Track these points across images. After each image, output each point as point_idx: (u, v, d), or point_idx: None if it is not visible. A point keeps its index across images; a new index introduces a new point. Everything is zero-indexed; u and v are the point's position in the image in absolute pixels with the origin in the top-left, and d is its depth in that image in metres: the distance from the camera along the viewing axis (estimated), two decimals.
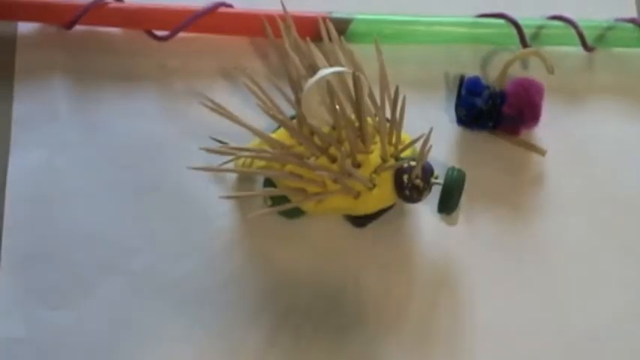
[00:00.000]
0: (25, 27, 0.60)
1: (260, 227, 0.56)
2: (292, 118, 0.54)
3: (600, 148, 0.59)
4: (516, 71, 0.60)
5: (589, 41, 0.60)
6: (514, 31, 0.59)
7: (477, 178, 0.56)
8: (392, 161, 0.52)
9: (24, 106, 0.59)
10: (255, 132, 0.53)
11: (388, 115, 0.52)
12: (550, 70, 0.57)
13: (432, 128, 0.50)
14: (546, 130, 0.58)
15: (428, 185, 0.53)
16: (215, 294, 0.55)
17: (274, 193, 0.54)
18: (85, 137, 0.58)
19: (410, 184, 0.52)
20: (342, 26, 0.59)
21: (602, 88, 0.60)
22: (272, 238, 0.56)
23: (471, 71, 0.59)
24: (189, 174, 0.57)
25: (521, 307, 0.56)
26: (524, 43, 0.59)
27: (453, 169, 0.53)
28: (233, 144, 0.55)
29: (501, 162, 0.58)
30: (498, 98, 0.57)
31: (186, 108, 0.59)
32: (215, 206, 0.57)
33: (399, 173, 0.52)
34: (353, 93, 0.51)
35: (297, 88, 0.54)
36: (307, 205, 0.53)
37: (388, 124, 0.52)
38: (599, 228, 0.57)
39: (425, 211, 0.56)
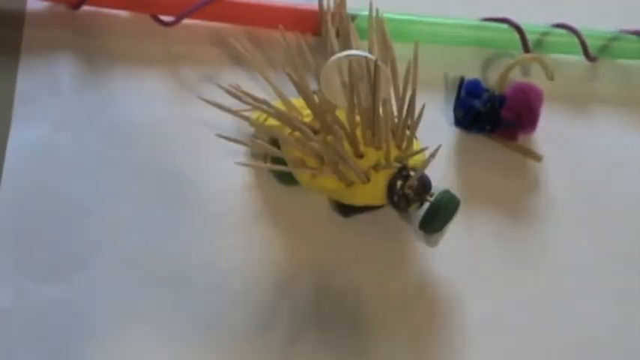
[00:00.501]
0: (33, 4, 0.60)
1: (259, 213, 0.57)
2: (314, 92, 0.54)
3: (597, 157, 0.59)
4: (517, 77, 0.60)
5: (592, 51, 0.60)
6: (517, 36, 0.60)
7: (472, 180, 0.56)
8: (393, 164, 0.52)
9: (28, 81, 0.59)
10: (276, 91, 0.53)
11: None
12: (550, 77, 0.57)
13: (439, 145, 0.50)
14: (544, 136, 0.58)
15: (418, 199, 0.52)
16: (201, 275, 0.55)
17: (277, 153, 0.53)
18: (86, 116, 0.58)
19: (401, 191, 0.52)
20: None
21: (603, 98, 0.61)
22: (270, 224, 0.56)
23: (471, 74, 0.59)
24: (188, 157, 0.57)
25: (516, 309, 0.56)
26: (526, 49, 0.60)
27: (447, 191, 0.52)
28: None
29: (497, 165, 0.58)
30: (497, 102, 0.57)
31: (189, 93, 0.59)
32: (212, 191, 0.57)
33: (394, 178, 0.52)
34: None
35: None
36: (302, 177, 0.53)
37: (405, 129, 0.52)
38: (592, 236, 0.57)
39: None
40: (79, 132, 0.58)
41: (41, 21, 0.60)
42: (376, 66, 0.50)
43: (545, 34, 0.60)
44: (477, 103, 0.57)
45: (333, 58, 0.52)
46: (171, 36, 0.60)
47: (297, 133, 0.52)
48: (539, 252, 0.57)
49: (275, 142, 0.55)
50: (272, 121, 0.54)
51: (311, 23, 0.58)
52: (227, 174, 0.57)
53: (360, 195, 0.53)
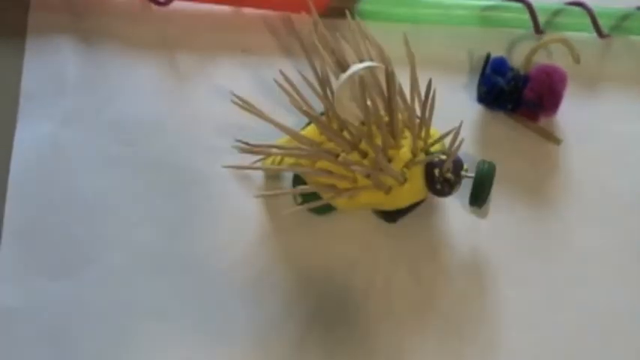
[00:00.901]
0: None
1: (286, 222, 0.56)
2: (321, 114, 0.54)
3: (610, 139, 0.58)
4: (542, 59, 0.59)
5: (604, 29, 0.59)
6: (527, 14, 0.59)
7: (492, 157, 0.55)
8: (422, 156, 0.52)
9: (33, 71, 0.58)
10: (285, 130, 0.53)
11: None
12: (576, 60, 0.57)
13: (462, 122, 0.50)
14: (564, 119, 0.58)
15: (459, 179, 0.52)
16: (212, 270, 0.55)
17: (306, 190, 0.53)
18: (91, 112, 0.58)
19: (441, 177, 0.52)
20: (350, 3, 0.58)
21: (615, 76, 0.60)
22: (298, 233, 0.56)
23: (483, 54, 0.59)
24: (192, 152, 0.57)
25: (536, 292, 0.55)
26: (536, 27, 0.59)
27: (483, 162, 0.53)
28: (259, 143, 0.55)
29: (516, 144, 0.58)
30: (521, 81, 0.57)
31: (192, 87, 0.59)
32: (217, 185, 0.57)
33: (430, 167, 0.52)
34: (384, 88, 0.51)
35: (325, 83, 0.53)
36: (338, 201, 0.53)
37: (418, 119, 0.52)
38: (611, 220, 0.57)
39: (451, 203, 0.56)
40: (83, 128, 0.58)
41: (45, 5, 0.60)
42: (389, 73, 0.50)
43: (556, 12, 0.59)
44: (500, 81, 0.57)
45: (342, 79, 0.51)
46: (168, 20, 0.60)
47: (319, 162, 0.52)
48: (557, 233, 0.57)
49: (299, 179, 0.55)
50: (288, 160, 0.54)
51: (316, 3, 0.56)
52: (234, 171, 0.57)
53: (403, 197, 0.53)
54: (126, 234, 0.56)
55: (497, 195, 0.56)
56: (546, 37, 0.58)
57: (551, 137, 0.58)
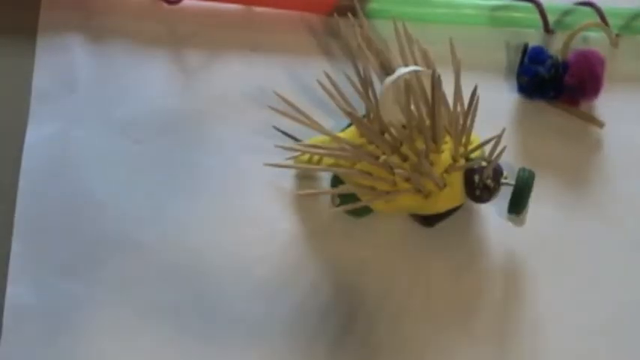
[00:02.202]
0: None
1: (283, 207, 0.56)
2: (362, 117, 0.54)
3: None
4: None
5: (613, 29, 0.59)
6: (537, 14, 0.59)
7: (534, 147, 0.57)
8: (463, 161, 0.52)
9: (44, 74, 0.58)
10: (326, 132, 0.53)
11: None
12: (614, 44, 0.58)
13: (504, 129, 0.50)
14: (605, 102, 0.58)
15: (498, 186, 0.52)
16: (221, 269, 0.55)
17: (345, 190, 0.53)
18: (102, 110, 0.58)
19: (481, 184, 0.52)
20: (360, 2, 0.58)
21: (626, 76, 0.60)
22: (335, 236, 0.56)
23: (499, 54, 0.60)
24: (204, 150, 0.57)
25: (581, 276, 0.55)
26: (546, 27, 0.59)
27: (523, 169, 0.53)
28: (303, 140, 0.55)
29: (559, 132, 0.58)
30: (560, 68, 0.57)
31: (203, 84, 0.59)
32: (231, 183, 0.57)
33: (470, 173, 0.52)
34: (428, 92, 0.51)
35: (368, 85, 0.54)
36: (377, 204, 0.53)
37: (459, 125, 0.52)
38: None
39: (488, 209, 0.56)
40: (94, 127, 0.58)
41: (56, 4, 0.60)
42: (435, 77, 0.50)
43: (566, 12, 0.59)
44: (541, 70, 0.57)
45: (387, 83, 0.51)
46: (179, 18, 0.60)
47: (359, 164, 0.52)
48: (602, 218, 0.57)
49: (337, 181, 0.55)
50: (327, 160, 0.54)
51: (322, 3, 0.57)
52: (245, 165, 0.57)
53: (442, 201, 0.53)
54: (137, 233, 0.56)
55: (540, 187, 0.55)
56: (583, 23, 0.59)
57: (595, 121, 0.58)
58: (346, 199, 0.54)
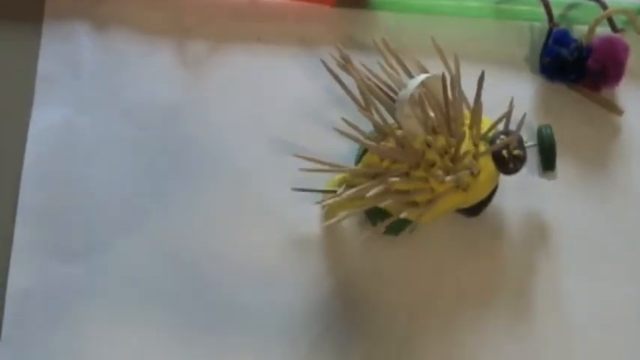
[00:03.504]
0: None
1: (286, 197, 0.56)
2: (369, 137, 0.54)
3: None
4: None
5: (618, 23, 0.59)
6: (542, 7, 0.59)
7: (553, 128, 0.56)
8: (484, 144, 0.53)
9: (49, 60, 0.59)
10: (351, 171, 0.53)
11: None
12: (639, 31, 0.58)
13: (512, 99, 0.51)
14: (626, 90, 0.59)
15: (525, 151, 0.53)
16: (224, 258, 0.55)
17: (394, 219, 0.52)
18: (106, 97, 0.58)
19: (511, 156, 0.53)
20: None
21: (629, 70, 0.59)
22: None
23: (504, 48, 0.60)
24: (207, 139, 0.57)
25: (603, 257, 0.56)
26: (550, 20, 0.59)
27: (541, 127, 0.54)
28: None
29: (578, 116, 0.58)
30: (584, 52, 0.58)
31: (207, 73, 0.59)
32: (232, 172, 0.57)
33: (497, 152, 0.53)
34: (438, 96, 0.51)
35: (369, 109, 0.53)
36: (424, 217, 0.52)
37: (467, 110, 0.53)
38: None
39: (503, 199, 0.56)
40: (98, 114, 0.58)
41: None
42: (453, 80, 0.51)
43: (571, 5, 0.59)
44: (564, 51, 0.57)
45: (403, 98, 0.51)
46: (185, 9, 0.60)
47: (393, 187, 0.52)
48: (621, 202, 0.57)
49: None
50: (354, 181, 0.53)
51: None
52: (249, 154, 0.57)
53: (481, 188, 0.53)
54: (139, 219, 0.56)
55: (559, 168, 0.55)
56: (608, 9, 0.59)
57: (614, 107, 0.58)
58: (381, 216, 0.53)
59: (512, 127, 0.53)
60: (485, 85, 0.51)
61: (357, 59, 0.55)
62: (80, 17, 0.60)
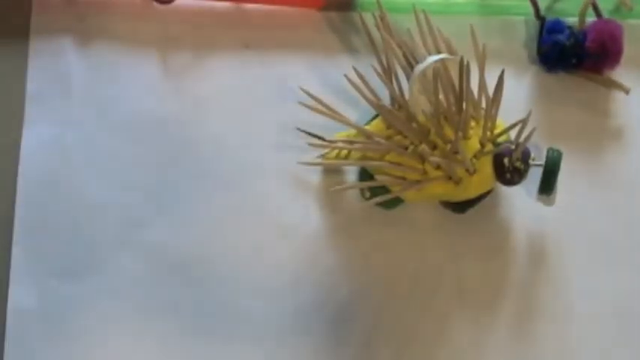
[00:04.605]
0: None
1: (285, 202, 0.57)
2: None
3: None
4: None
5: (604, 13, 0.59)
6: (528, 1, 0.59)
7: (558, 117, 0.57)
8: (490, 146, 0.52)
9: (37, 78, 0.58)
10: (353, 126, 0.53)
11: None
12: (629, 8, 0.58)
13: (530, 111, 0.51)
14: (627, 69, 0.59)
15: (528, 167, 0.53)
16: (223, 268, 0.55)
17: (376, 183, 0.53)
18: (96, 112, 0.58)
19: (511, 167, 0.52)
20: None
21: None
22: (354, 226, 0.56)
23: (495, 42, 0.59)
24: (201, 148, 0.57)
25: (605, 241, 0.56)
26: (537, 13, 0.59)
27: (552, 150, 0.53)
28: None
29: (581, 102, 0.59)
30: (580, 35, 0.58)
31: (197, 83, 0.59)
32: (232, 180, 0.57)
33: (498, 157, 0.52)
34: (454, 80, 0.51)
35: (391, 76, 0.54)
36: (408, 194, 0.53)
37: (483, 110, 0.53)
38: None
39: (516, 192, 0.56)
40: (89, 130, 0.58)
41: (47, 7, 0.59)
42: (463, 64, 0.50)
43: None
44: (561, 38, 0.58)
45: (417, 72, 0.52)
46: (172, 18, 0.60)
47: (388, 156, 0.52)
48: (629, 189, 0.58)
49: (366, 174, 0.55)
50: (354, 154, 0.54)
51: None
52: (243, 161, 0.57)
53: (473, 187, 0.53)
54: (137, 234, 0.56)
55: (565, 161, 0.55)
56: None
57: (619, 86, 0.58)
58: (376, 191, 0.54)
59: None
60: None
61: (346, 62, 0.55)
62: (67, 33, 0.59)
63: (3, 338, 0.53)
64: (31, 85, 0.58)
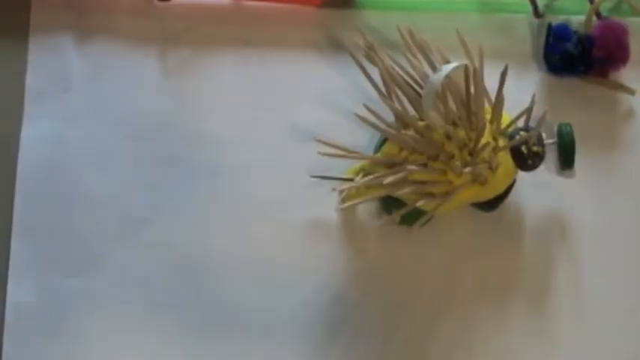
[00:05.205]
0: None
1: (284, 203, 0.56)
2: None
3: None
4: None
5: (603, 11, 0.60)
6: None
7: (561, 119, 0.57)
8: (504, 139, 0.53)
9: (37, 75, 0.58)
10: (372, 159, 0.54)
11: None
12: (636, 12, 0.59)
13: (534, 95, 0.52)
14: (633, 70, 0.59)
15: (545, 149, 0.53)
16: (223, 265, 0.55)
17: (408, 209, 0.53)
18: (96, 109, 0.58)
19: (530, 153, 0.53)
20: None
21: None
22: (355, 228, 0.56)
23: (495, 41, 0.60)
24: (199, 144, 0.57)
25: (616, 241, 0.56)
26: (536, 11, 0.60)
27: (562, 124, 0.55)
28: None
29: (590, 106, 0.59)
30: (587, 42, 0.58)
31: (197, 80, 0.59)
32: (229, 179, 0.57)
33: (515, 148, 0.53)
34: (460, 86, 0.52)
35: (390, 96, 0.54)
36: (442, 208, 0.53)
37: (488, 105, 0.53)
38: None
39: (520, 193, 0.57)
40: (89, 126, 0.58)
41: (47, 4, 0.60)
42: (476, 71, 0.51)
43: None
44: (569, 47, 0.58)
45: (431, 86, 0.51)
46: (172, 17, 0.60)
47: (411, 176, 0.52)
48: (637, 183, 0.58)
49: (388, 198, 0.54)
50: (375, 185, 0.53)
51: None
52: (243, 159, 0.57)
53: (499, 182, 0.53)
54: (136, 230, 0.56)
55: (578, 163, 0.56)
56: None
57: (626, 89, 0.59)
58: (408, 217, 0.53)
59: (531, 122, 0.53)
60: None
61: (346, 58, 0.55)
62: (66, 30, 0.59)
63: (2, 333, 0.53)
64: (31, 81, 0.58)
